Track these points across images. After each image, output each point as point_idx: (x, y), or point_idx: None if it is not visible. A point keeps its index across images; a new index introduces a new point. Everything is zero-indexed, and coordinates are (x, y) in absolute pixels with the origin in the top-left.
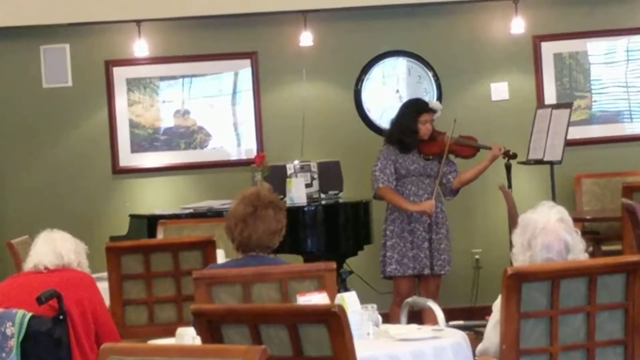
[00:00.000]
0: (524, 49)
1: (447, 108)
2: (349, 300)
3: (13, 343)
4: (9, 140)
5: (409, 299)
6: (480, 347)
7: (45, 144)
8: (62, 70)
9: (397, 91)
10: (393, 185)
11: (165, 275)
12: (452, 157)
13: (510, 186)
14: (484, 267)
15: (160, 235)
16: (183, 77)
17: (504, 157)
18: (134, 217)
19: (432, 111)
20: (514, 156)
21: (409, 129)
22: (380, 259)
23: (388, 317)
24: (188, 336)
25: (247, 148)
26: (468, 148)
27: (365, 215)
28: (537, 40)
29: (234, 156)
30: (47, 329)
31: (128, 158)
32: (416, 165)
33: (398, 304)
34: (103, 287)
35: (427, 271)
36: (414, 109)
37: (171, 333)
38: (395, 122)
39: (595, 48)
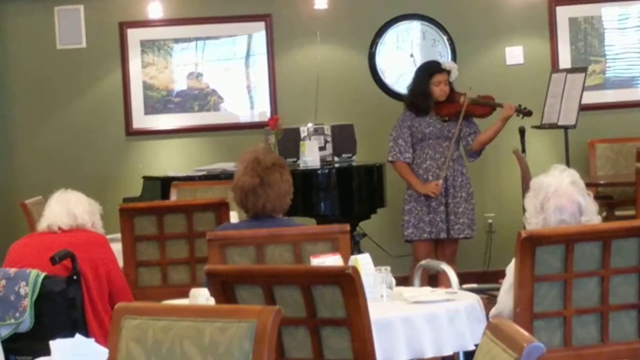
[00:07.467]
0: (539, 13)
1: (461, 72)
2: (363, 263)
3: (27, 302)
4: (23, 101)
5: (423, 262)
6: (493, 310)
7: (59, 105)
8: (76, 32)
9: (412, 55)
10: (409, 155)
11: (179, 236)
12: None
13: (524, 151)
14: (497, 231)
15: (173, 197)
16: (197, 39)
17: (518, 115)
18: (147, 179)
19: (446, 71)
20: (529, 113)
21: (421, 92)
22: (401, 223)
23: (407, 281)
24: (202, 297)
25: (261, 111)
26: (484, 107)
27: (378, 179)
28: (553, 4)
29: (247, 119)
30: (60, 289)
31: (141, 120)
32: (432, 128)
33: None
34: (116, 248)
35: (443, 235)
36: (426, 71)
37: (184, 294)
38: (410, 87)
39: (610, 13)
